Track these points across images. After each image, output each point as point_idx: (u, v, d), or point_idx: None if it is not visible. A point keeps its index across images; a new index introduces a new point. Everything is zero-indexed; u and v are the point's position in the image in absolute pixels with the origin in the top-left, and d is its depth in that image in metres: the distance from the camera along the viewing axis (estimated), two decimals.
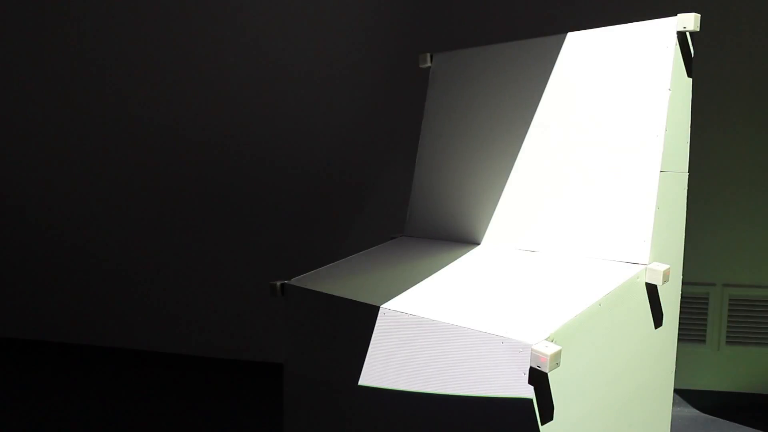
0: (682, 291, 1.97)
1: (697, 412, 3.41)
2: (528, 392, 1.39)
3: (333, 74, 3.72)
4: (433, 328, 1.60)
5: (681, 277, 1.96)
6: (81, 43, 3.97)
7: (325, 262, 2.28)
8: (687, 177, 1.92)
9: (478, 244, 2.16)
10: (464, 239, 2.21)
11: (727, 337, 3.44)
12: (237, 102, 3.87)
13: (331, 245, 3.82)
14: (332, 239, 3.84)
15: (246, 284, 4.04)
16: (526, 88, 2.15)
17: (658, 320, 1.83)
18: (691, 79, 1.88)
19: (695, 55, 1.86)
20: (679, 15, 1.80)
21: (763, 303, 3.40)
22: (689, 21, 1.77)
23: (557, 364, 1.35)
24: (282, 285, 2.05)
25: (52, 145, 4.18)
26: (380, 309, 1.73)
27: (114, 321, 4.37)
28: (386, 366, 1.73)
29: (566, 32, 2.10)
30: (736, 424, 3.26)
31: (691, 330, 3.44)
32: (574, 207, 1.92)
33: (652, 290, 1.77)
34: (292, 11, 3.67)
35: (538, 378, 1.39)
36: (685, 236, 1.94)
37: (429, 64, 2.51)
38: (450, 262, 2.03)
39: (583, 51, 2.02)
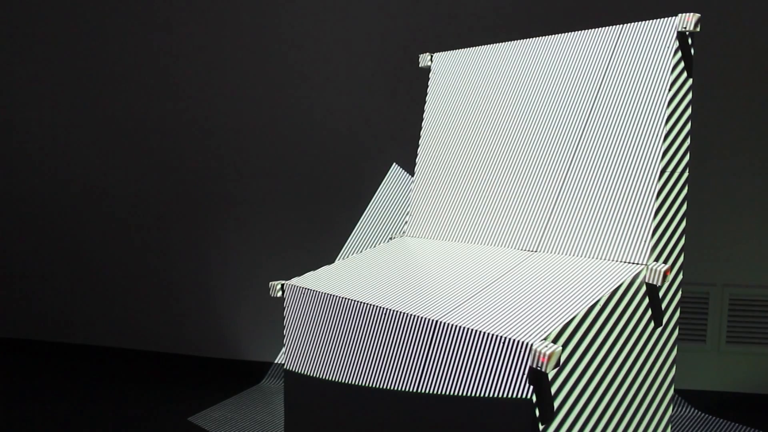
0: (682, 291, 1.97)
1: (697, 412, 3.40)
2: (528, 392, 1.39)
3: (333, 74, 3.73)
4: (433, 328, 1.60)
5: (681, 277, 1.96)
6: (81, 43, 3.97)
7: (325, 262, 2.28)
8: (687, 177, 1.92)
9: (478, 244, 2.16)
10: (464, 239, 2.21)
11: (727, 337, 3.44)
12: (236, 102, 3.87)
13: (331, 245, 3.82)
14: (332, 239, 3.84)
15: (245, 284, 4.04)
16: (526, 87, 2.15)
17: (658, 320, 1.83)
18: (691, 79, 1.88)
19: (695, 55, 1.86)
20: (679, 15, 1.80)
21: (763, 303, 3.40)
22: (689, 21, 1.77)
23: (557, 364, 1.35)
24: (282, 285, 2.05)
25: (52, 145, 4.18)
26: (380, 309, 1.74)
27: (114, 321, 4.37)
28: (386, 366, 1.73)
29: (566, 32, 2.10)
30: (736, 424, 3.26)
31: (691, 330, 3.44)
32: (574, 207, 1.92)
33: (652, 290, 1.76)
34: (293, 11, 3.67)
35: (538, 378, 1.39)
36: (685, 236, 1.94)
37: (429, 64, 2.51)
38: (450, 263, 2.03)
39: (583, 51, 2.02)
